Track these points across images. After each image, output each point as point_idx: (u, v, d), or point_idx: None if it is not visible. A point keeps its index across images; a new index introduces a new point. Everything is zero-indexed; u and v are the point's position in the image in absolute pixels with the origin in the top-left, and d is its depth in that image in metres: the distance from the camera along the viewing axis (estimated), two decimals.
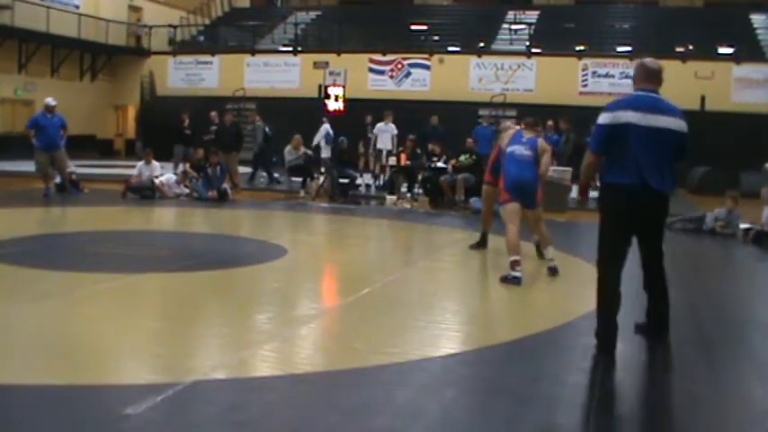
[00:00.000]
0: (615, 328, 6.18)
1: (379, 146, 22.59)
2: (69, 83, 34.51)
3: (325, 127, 24.16)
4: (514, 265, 9.09)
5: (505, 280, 9.07)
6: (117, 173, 21.60)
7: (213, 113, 22.74)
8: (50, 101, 17.44)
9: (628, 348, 6.36)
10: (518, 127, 10.52)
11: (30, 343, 6.03)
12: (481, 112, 29.10)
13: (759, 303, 9.52)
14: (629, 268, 6.36)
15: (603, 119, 6.22)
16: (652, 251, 6.45)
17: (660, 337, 6.56)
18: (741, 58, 30.42)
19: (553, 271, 9.66)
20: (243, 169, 22.19)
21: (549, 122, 19.18)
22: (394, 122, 22.76)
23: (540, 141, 10.02)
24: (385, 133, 22.64)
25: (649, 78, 6.32)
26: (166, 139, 23.04)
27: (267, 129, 22.95)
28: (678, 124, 6.24)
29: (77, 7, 34.64)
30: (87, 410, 4.69)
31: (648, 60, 6.42)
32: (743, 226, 14.31)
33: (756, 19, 34.36)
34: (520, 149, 9.76)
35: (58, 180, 17.58)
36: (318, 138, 22.70)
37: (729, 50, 30.83)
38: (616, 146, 6.16)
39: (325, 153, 24.50)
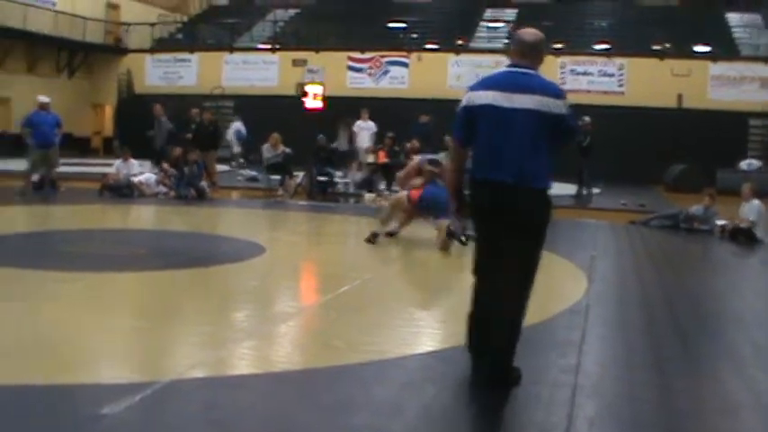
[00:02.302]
0: (483, 363, 5.32)
1: (357, 143, 22.55)
2: (46, 80, 34.23)
3: (236, 125, 24.19)
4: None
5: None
6: (94, 171, 21.47)
7: (195, 111, 22.61)
8: (43, 98, 17.47)
9: (606, 344, 6.37)
10: None
11: (5, 343, 5.96)
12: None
13: (735, 297, 9.59)
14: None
15: (463, 101, 5.38)
16: (507, 267, 5.24)
17: (492, 389, 5.22)
18: (717, 56, 30.61)
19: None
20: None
21: None
22: (372, 120, 22.77)
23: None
24: (364, 131, 22.61)
25: (523, 53, 5.33)
26: (144, 137, 22.89)
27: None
28: (546, 103, 5.11)
29: (54, 4, 34.43)
30: (64, 411, 4.65)
31: (524, 32, 5.44)
32: (719, 222, 14.42)
33: (731, 17, 34.63)
34: None
35: (35, 178, 17.46)
36: (229, 135, 22.78)
37: (706, 49, 31.01)
38: (477, 132, 5.26)
39: (236, 149, 24.78)
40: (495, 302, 5.24)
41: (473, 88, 5.39)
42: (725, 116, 28.18)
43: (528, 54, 5.32)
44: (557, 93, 5.23)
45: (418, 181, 11.91)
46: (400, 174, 12.91)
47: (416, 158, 12.77)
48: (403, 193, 12.06)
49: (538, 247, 5.31)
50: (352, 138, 22.86)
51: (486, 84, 5.35)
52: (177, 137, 21.86)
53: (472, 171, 5.35)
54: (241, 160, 27.48)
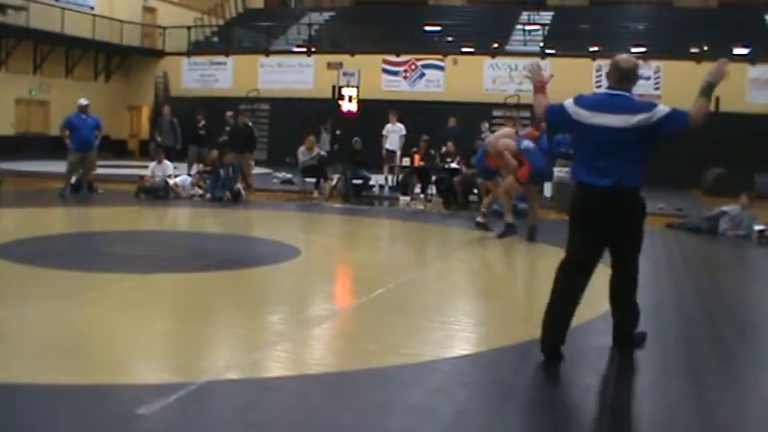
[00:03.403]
0: (555, 352, 5.94)
1: (387, 146, 22.56)
2: (84, 83, 34.58)
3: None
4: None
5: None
6: (130, 173, 21.65)
7: (230, 113, 22.72)
8: (83, 101, 17.58)
9: (642, 350, 6.33)
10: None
11: (44, 342, 6.04)
12: (495, 113, 29.10)
13: None
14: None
15: (567, 103, 6.09)
16: (618, 263, 6.11)
17: (622, 354, 6.16)
18: (756, 58, 30.24)
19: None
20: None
21: None
22: (403, 122, 22.76)
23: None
24: (393, 134, 22.62)
25: (619, 78, 6.05)
26: (181, 139, 23.03)
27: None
28: (640, 120, 5.74)
29: (92, 8, 34.78)
30: (101, 410, 4.70)
31: (621, 59, 6.12)
32: (757, 227, 14.23)
33: None
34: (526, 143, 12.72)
35: (72, 180, 17.61)
36: None
37: (744, 51, 30.64)
38: (577, 143, 6.25)
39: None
40: (565, 302, 5.99)
41: (579, 103, 6.04)
42: (763, 120, 27.83)
43: (624, 79, 6.02)
44: (648, 108, 5.83)
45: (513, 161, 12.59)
46: (508, 160, 12.75)
47: (505, 142, 12.93)
48: (511, 179, 12.72)
49: (639, 235, 6.06)
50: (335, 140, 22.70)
51: (590, 104, 6.00)
52: (199, 138, 22.02)
53: (575, 176, 6.11)
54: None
